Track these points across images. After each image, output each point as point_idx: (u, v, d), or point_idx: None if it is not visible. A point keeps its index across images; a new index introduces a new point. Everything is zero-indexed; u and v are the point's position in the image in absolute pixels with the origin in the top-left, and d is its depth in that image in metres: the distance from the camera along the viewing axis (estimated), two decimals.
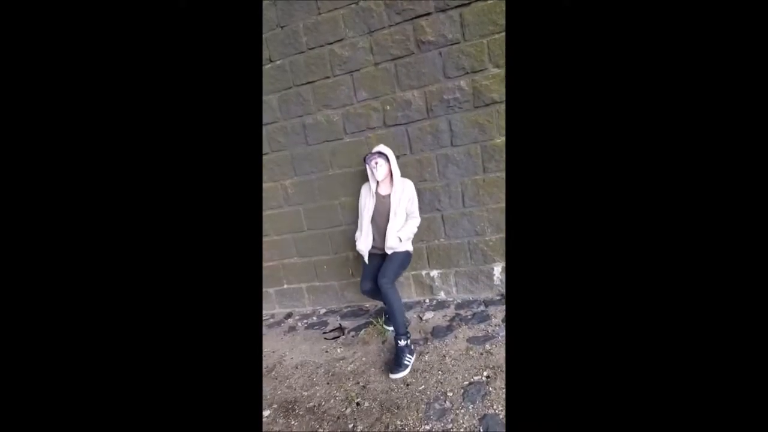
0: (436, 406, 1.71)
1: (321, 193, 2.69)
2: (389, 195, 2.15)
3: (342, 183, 2.63)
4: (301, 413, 1.84)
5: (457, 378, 1.85)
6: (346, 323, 2.61)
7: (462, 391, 1.77)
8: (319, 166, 2.64)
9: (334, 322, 2.67)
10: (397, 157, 2.47)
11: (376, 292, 2.13)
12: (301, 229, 2.80)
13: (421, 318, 2.42)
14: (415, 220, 2.19)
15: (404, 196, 2.14)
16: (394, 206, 2.10)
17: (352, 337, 2.42)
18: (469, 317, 2.35)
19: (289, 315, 2.93)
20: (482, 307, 2.42)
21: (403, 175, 2.48)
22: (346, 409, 1.80)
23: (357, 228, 2.31)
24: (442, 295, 2.62)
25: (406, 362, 1.89)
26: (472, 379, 1.82)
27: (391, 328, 2.23)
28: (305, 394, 1.96)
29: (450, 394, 1.76)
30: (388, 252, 2.11)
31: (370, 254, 2.19)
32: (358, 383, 1.96)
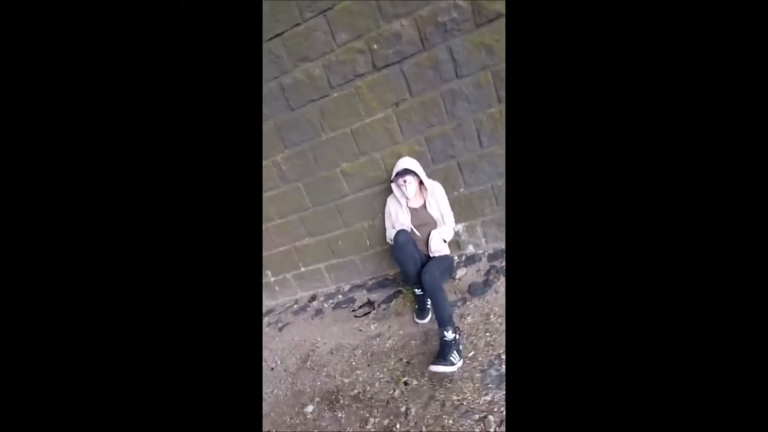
0: (492, 372, 1.53)
1: (318, 163, 2.40)
2: (424, 206, 2.09)
3: (338, 148, 2.33)
4: (346, 403, 1.70)
5: None
6: (375, 296, 2.43)
7: None
8: (309, 133, 2.33)
9: (361, 297, 2.49)
10: (396, 104, 2.15)
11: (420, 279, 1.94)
12: (305, 206, 2.55)
13: (454, 278, 2.21)
14: (451, 220, 2.14)
15: (440, 200, 2.10)
16: (436, 216, 2.07)
17: (384, 310, 2.25)
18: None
19: (313, 298, 2.77)
20: None
21: (408, 126, 2.17)
22: (394, 391, 1.64)
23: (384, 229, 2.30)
24: (471, 249, 2.40)
25: (452, 359, 1.56)
26: None
27: (419, 290, 2.03)
28: (346, 381, 1.81)
29: (504, 356, 1.57)
30: (433, 255, 2.02)
31: (405, 241, 1.99)
32: (401, 360, 1.79)
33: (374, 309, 2.28)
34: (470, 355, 1.65)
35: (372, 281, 2.61)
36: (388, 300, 2.31)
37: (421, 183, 2.09)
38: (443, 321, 1.66)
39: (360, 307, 2.36)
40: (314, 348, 2.18)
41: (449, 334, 1.61)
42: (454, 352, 1.57)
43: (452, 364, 1.54)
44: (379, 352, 1.91)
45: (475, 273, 2.20)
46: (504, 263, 2.18)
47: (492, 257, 2.27)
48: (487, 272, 2.16)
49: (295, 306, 2.77)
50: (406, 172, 2.01)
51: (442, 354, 1.56)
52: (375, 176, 2.35)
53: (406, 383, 1.64)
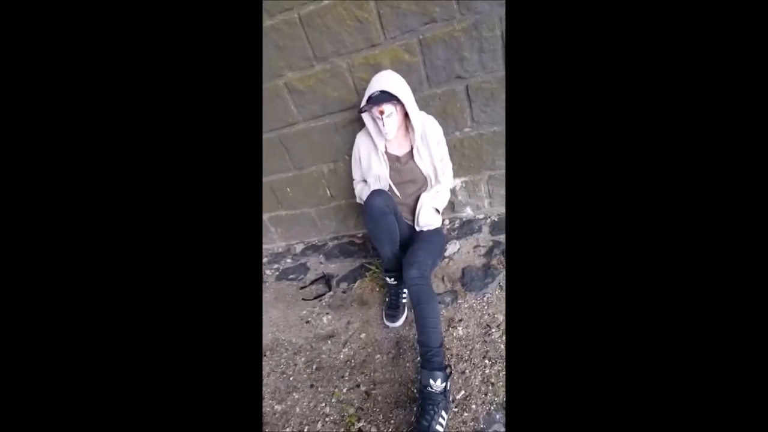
0: None
1: None
2: (410, 154, 1.38)
3: (279, 45, 1.46)
4: None
5: None
6: (333, 268, 1.81)
7: None
8: None
9: (316, 265, 1.87)
10: None
11: (399, 265, 1.35)
12: None
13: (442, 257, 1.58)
14: (448, 177, 1.46)
15: (434, 146, 1.37)
16: (427, 171, 1.38)
17: (343, 293, 1.65)
18: None
19: None
20: None
21: (393, 17, 1.31)
22: None
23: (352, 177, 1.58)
24: (468, 212, 1.75)
25: (437, 427, 0.98)
26: None
27: (393, 279, 1.42)
28: (278, 408, 1.27)
29: None
30: (420, 229, 1.41)
31: (383, 210, 1.29)
32: (358, 386, 1.25)
33: (330, 290, 1.67)
34: (459, 396, 1.10)
35: (333, 243, 1.96)
36: (351, 278, 1.70)
37: (407, 116, 1.32)
38: (429, 359, 1.05)
39: (312, 283, 1.75)
40: None
41: (437, 384, 1.02)
42: (442, 413, 1.00)
43: None
44: (329, 365, 1.35)
45: (472, 251, 1.58)
46: None
47: (496, 228, 1.64)
48: (489, 251, 1.54)
49: None
50: (386, 96, 1.23)
51: (420, 421, 0.98)
52: (338, 97, 1.54)
53: None
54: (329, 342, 1.43)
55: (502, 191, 1.65)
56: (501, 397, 1.06)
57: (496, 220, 1.68)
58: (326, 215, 1.93)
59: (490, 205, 1.71)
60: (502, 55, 1.34)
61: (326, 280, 1.72)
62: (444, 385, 1.01)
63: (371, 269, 1.64)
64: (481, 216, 1.73)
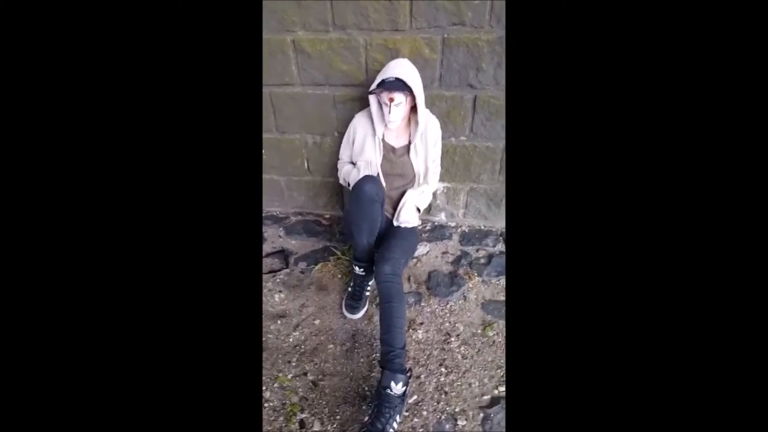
0: None
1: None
2: (406, 148, 1.35)
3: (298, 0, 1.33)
4: None
5: (472, 385, 1.13)
6: (293, 245, 1.70)
7: (481, 413, 1.06)
8: None
9: (274, 237, 1.74)
10: None
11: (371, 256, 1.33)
12: None
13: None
14: (434, 179, 1.44)
15: (431, 146, 1.36)
16: (418, 168, 1.36)
17: (301, 273, 1.55)
18: (483, 262, 1.55)
19: None
20: (500, 246, 1.62)
21: (425, 8, 1.26)
22: None
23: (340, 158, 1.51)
24: (442, 218, 1.75)
25: (390, 430, 0.95)
26: (495, 393, 1.11)
27: (361, 270, 1.36)
28: None
29: (463, 421, 1.05)
30: (398, 225, 1.35)
31: (372, 198, 1.23)
32: (306, 374, 1.17)
33: (287, 267, 1.57)
34: (411, 401, 1.09)
35: (297, 218, 1.85)
36: (312, 259, 1.60)
37: (413, 110, 1.29)
38: (391, 360, 1.02)
39: (268, 255, 1.63)
40: None
41: (397, 388, 0.98)
42: (397, 417, 0.97)
43: None
44: (275, 347, 1.25)
45: (441, 256, 1.59)
46: (480, 254, 1.59)
47: (465, 239, 1.66)
48: (457, 260, 1.56)
49: None
50: (399, 85, 1.18)
51: (377, 424, 0.94)
52: (345, 71, 1.45)
53: (302, 424, 1.04)
54: (278, 322, 1.33)
55: (479, 205, 1.68)
56: (453, 407, 1.06)
57: (466, 231, 1.70)
58: (296, 188, 1.81)
59: (464, 215, 1.73)
60: None
61: (284, 255, 1.61)
62: (404, 389, 0.99)
63: (336, 254, 1.57)
64: (453, 224, 1.74)
